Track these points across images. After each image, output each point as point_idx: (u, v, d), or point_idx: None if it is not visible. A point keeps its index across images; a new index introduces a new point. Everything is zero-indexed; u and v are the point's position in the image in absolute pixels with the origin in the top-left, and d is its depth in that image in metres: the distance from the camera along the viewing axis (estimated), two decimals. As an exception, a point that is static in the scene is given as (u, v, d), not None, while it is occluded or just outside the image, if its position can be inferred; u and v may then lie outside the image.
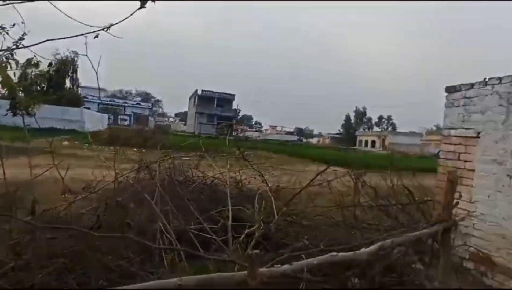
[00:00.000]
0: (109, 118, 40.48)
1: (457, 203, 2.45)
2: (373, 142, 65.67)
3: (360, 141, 69.47)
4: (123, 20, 2.48)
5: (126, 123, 49.37)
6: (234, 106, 65.63)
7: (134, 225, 2.81)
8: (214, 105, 60.84)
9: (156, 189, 2.62)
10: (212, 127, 60.38)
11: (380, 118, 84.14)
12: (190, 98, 71.59)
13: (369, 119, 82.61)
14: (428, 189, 4.58)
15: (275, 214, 3.09)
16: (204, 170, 4.21)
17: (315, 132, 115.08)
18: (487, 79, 3.76)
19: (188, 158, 4.24)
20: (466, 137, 3.94)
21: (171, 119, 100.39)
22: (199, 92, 61.47)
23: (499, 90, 3.61)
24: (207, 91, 61.58)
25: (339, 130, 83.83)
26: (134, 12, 2.46)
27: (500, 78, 3.63)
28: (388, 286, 2.85)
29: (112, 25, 2.48)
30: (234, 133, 56.64)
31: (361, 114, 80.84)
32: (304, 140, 77.56)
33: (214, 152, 4.01)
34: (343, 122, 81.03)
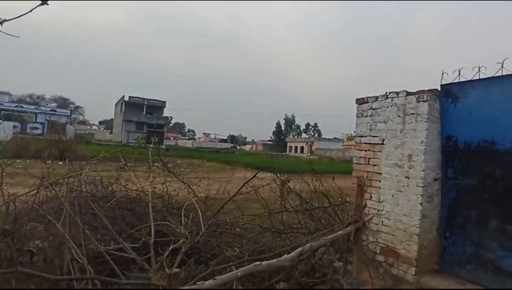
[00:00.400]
0: (14, 126, 34.91)
1: (365, 205, 2.73)
2: (302, 148, 69.90)
3: (290, 147, 73.37)
4: (20, 16, 2.17)
5: (38, 132, 43.23)
6: (166, 114, 63.10)
7: (38, 252, 2.44)
8: (143, 112, 57.61)
9: (65, 208, 2.32)
10: (142, 136, 56.57)
11: (307, 125, 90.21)
12: (116, 104, 66.54)
13: (298, 127, 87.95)
14: (348, 191, 5.01)
15: (203, 226, 3.02)
16: (126, 184, 3.92)
17: (248, 139, 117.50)
18: (387, 93, 4.31)
19: (108, 171, 3.89)
20: (373, 144, 4.45)
21: (94, 128, 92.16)
22: (126, 98, 57.54)
23: (397, 102, 4.18)
24: (135, 97, 58.02)
25: (270, 137, 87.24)
26: (35, 7, 2.18)
27: (397, 92, 4.20)
28: (312, 286, 3.02)
29: (5, 20, 2.15)
30: (165, 142, 54.25)
31: (290, 122, 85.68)
32: (238, 147, 78.66)
33: (136, 163, 3.74)
34: (274, 129, 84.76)
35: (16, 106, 52.13)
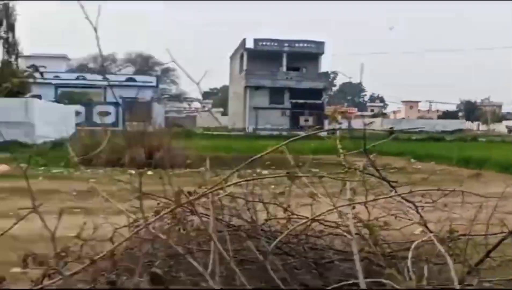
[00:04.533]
0: (77, 113, 41.24)
1: None
2: None
3: None
4: None
5: (110, 120, 50.43)
6: (325, 67, 64.04)
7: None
8: (283, 68, 60.06)
9: (213, 249, 2.76)
10: (282, 115, 58.29)
11: None
12: (232, 57, 71.11)
13: None
14: None
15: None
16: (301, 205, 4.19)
17: (506, 108, 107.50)
18: None
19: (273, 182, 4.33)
20: None
21: (195, 105, 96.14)
22: (249, 45, 60.85)
23: None
24: (266, 40, 60.90)
25: None
26: None
27: None
28: None
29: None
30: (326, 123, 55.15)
31: None
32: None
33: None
34: None
35: (77, 78, 62.82)
